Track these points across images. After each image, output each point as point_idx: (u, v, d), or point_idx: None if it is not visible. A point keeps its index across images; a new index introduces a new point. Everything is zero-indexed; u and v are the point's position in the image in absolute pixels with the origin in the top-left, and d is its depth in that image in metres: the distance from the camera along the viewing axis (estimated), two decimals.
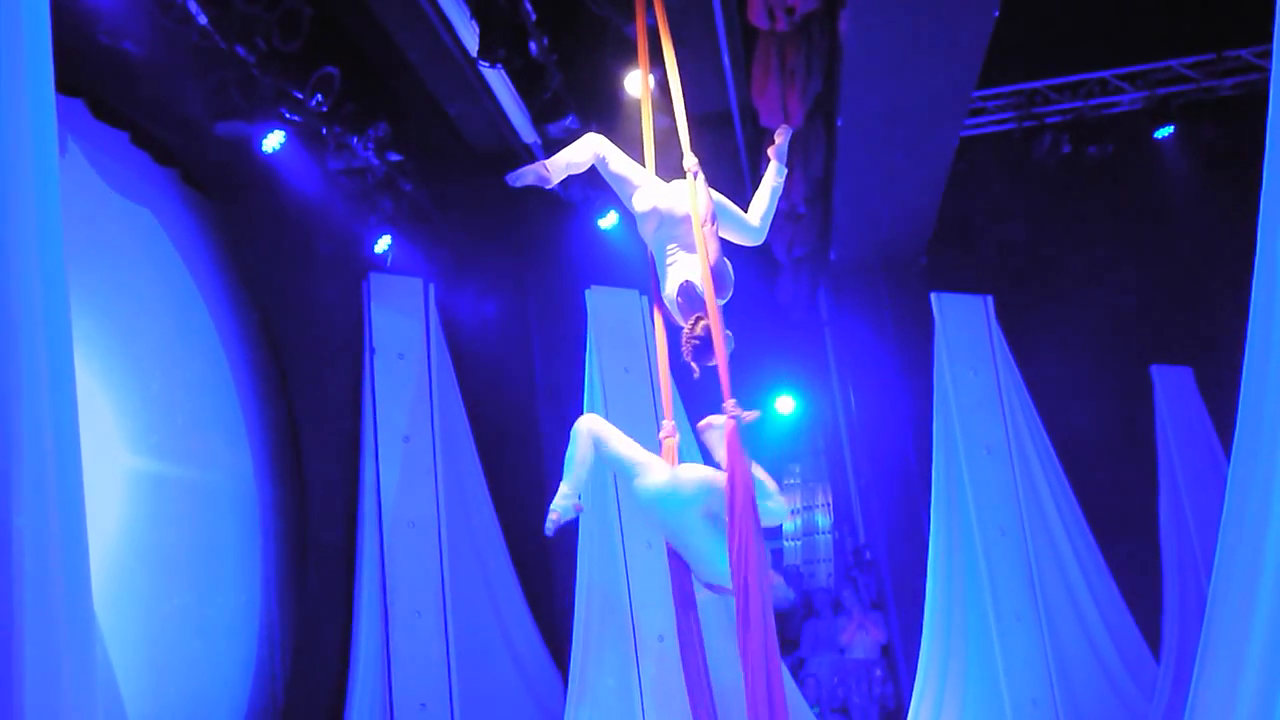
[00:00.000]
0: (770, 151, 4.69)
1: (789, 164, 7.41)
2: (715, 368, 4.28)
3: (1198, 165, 9.50)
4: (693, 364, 4.30)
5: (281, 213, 7.97)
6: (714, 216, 4.34)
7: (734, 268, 4.50)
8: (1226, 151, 8.83)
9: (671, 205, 4.45)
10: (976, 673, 7.73)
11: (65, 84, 5.80)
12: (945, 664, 7.84)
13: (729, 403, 4.13)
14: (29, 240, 3.11)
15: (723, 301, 4.34)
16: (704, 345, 4.24)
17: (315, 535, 8.07)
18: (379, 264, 9.02)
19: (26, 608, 2.92)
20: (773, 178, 4.64)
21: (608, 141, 4.68)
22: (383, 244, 9.06)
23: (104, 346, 6.37)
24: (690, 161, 4.41)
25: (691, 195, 4.35)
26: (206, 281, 7.73)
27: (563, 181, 8.87)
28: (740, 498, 3.98)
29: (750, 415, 4.12)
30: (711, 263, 4.24)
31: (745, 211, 4.67)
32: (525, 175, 4.67)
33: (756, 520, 3.96)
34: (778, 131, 4.71)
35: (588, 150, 4.65)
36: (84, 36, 5.81)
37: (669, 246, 4.46)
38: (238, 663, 7.44)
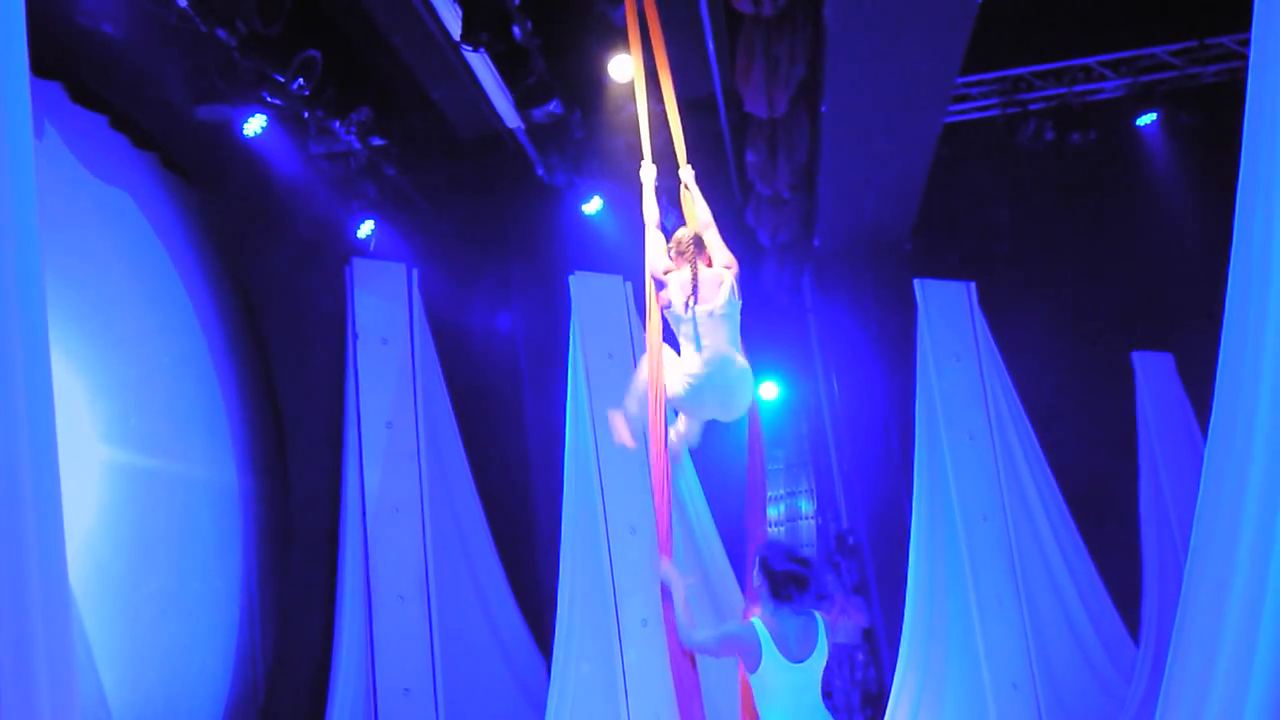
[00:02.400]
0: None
1: (773, 151, 7.46)
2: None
3: (1180, 152, 9.53)
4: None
5: (263, 197, 7.92)
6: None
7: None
8: (1208, 138, 8.86)
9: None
10: (958, 657, 7.79)
11: (42, 67, 5.76)
12: (927, 648, 7.89)
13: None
14: (4, 225, 3.08)
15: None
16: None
17: (298, 521, 8.05)
18: (362, 249, 8.98)
19: (1, 594, 2.90)
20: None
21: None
22: (365, 229, 9.03)
23: (81, 333, 6.32)
24: (686, 174, 4.85)
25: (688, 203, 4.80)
26: (186, 267, 7.67)
27: (547, 166, 8.91)
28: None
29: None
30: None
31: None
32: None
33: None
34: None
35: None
36: (61, 18, 5.75)
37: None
38: (219, 649, 7.42)
